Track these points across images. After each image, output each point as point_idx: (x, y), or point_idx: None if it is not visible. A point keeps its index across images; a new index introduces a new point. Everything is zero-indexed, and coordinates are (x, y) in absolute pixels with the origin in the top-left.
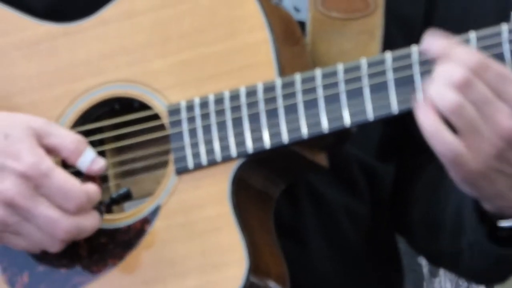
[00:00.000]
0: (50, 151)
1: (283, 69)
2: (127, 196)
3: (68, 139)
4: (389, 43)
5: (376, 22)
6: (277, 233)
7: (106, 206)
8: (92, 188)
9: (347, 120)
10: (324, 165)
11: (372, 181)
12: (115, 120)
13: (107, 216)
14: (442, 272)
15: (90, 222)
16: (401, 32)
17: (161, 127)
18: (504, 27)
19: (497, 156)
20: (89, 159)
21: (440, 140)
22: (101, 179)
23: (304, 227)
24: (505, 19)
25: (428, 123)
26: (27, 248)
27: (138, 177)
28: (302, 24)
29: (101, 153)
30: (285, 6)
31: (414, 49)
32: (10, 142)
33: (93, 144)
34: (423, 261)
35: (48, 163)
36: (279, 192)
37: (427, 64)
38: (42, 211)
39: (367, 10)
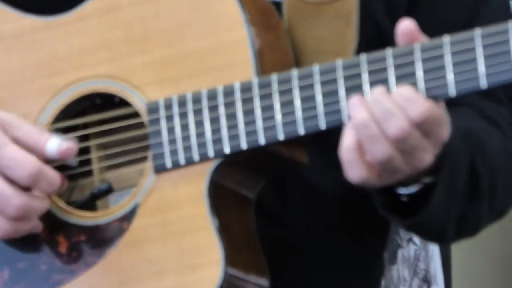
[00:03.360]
0: (16, 142)
1: (262, 58)
2: (108, 191)
3: (33, 131)
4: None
5: (351, 4)
6: (261, 219)
7: (88, 201)
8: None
9: (322, 124)
10: (304, 161)
11: None
12: (97, 117)
13: (88, 213)
14: (400, 260)
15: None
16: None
17: (142, 124)
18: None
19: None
20: (56, 143)
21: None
22: (86, 173)
23: (289, 212)
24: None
25: None
26: None
27: (122, 170)
28: (278, 4)
29: (86, 148)
30: None
31: (388, 52)
32: None
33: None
34: None
35: (5, 139)
36: (259, 188)
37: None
38: None
39: None
